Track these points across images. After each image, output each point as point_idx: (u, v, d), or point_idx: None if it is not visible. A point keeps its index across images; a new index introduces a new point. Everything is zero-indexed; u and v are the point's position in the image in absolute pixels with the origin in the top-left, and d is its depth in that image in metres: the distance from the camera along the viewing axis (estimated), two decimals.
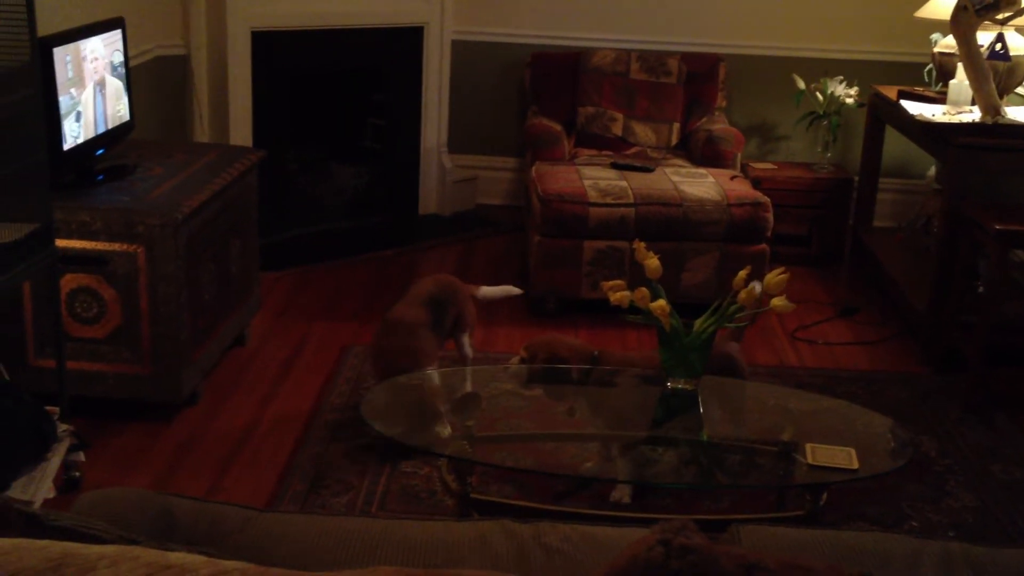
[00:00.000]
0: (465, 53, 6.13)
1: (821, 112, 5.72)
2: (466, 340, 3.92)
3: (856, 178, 5.74)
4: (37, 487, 2.91)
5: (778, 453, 3.15)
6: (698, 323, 3.15)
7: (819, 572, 1.14)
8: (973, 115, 4.64)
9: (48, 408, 3.15)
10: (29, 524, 1.50)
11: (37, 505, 2.87)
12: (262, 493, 3.33)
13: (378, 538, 1.80)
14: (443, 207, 6.14)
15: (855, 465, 2.88)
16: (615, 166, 5.22)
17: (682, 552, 1.13)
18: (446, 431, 3.15)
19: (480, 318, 4.67)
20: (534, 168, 5.20)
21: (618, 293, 3.15)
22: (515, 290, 4.15)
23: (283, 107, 5.50)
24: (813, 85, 5.72)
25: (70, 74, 3.49)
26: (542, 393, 3.52)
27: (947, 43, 5.18)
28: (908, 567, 1.72)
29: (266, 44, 5.30)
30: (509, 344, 4.49)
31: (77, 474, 3.27)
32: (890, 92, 5.31)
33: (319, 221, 5.82)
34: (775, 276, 3.12)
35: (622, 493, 3.26)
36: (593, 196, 4.75)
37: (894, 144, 5.69)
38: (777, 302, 3.11)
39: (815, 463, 2.89)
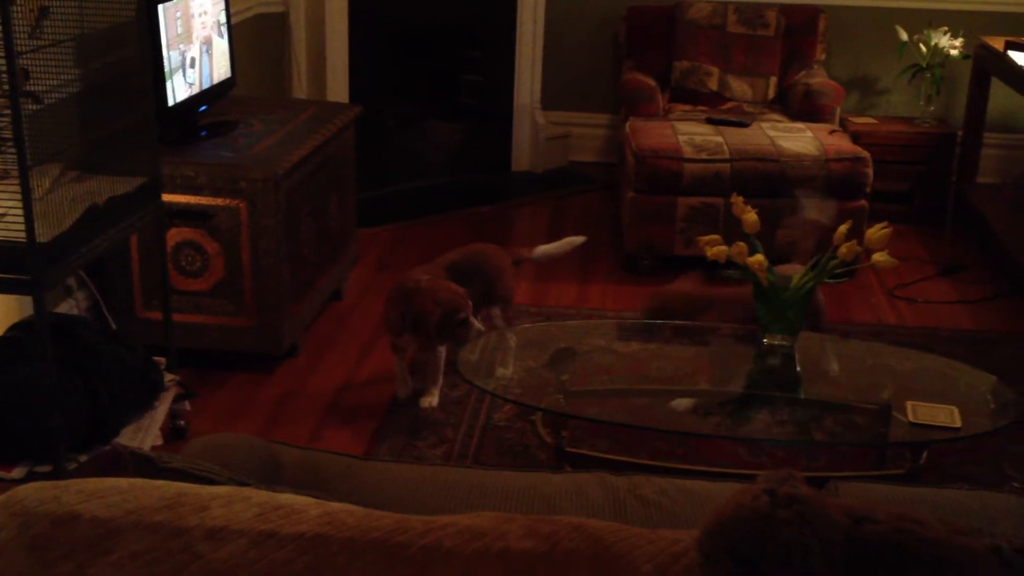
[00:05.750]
0: (559, 8, 6.08)
1: (924, 64, 5.57)
2: (496, 313, 3.78)
3: (960, 132, 5.59)
4: (145, 435, 3.00)
5: (878, 411, 3.11)
6: (796, 279, 3.12)
7: (930, 525, 1.13)
8: None
9: (155, 359, 3.23)
10: (143, 466, 1.55)
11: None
12: (359, 444, 3.39)
13: (477, 487, 1.82)
14: (536, 164, 6.13)
15: (957, 424, 2.83)
16: (710, 121, 5.15)
17: (789, 501, 1.12)
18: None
19: (575, 275, 4.68)
20: (628, 124, 5.16)
21: (715, 248, 3.12)
22: (577, 240, 3.98)
23: (380, 63, 5.54)
24: (916, 37, 5.57)
25: (178, 31, 3.55)
26: (637, 348, 3.51)
27: None
28: (1016, 526, 1.69)
29: (363, 0, 5.32)
30: (602, 301, 4.49)
31: (183, 423, 3.36)
32: (997, 43, 5.15)
33: (416, 177, 5.86)
34: (877, 231, 3.05)
35: None
36: (688, 152, 4.70)
37: (1000, 97, 5.52)
38: (879, 257, 3.05)
39: (916, 421, 2.84)
